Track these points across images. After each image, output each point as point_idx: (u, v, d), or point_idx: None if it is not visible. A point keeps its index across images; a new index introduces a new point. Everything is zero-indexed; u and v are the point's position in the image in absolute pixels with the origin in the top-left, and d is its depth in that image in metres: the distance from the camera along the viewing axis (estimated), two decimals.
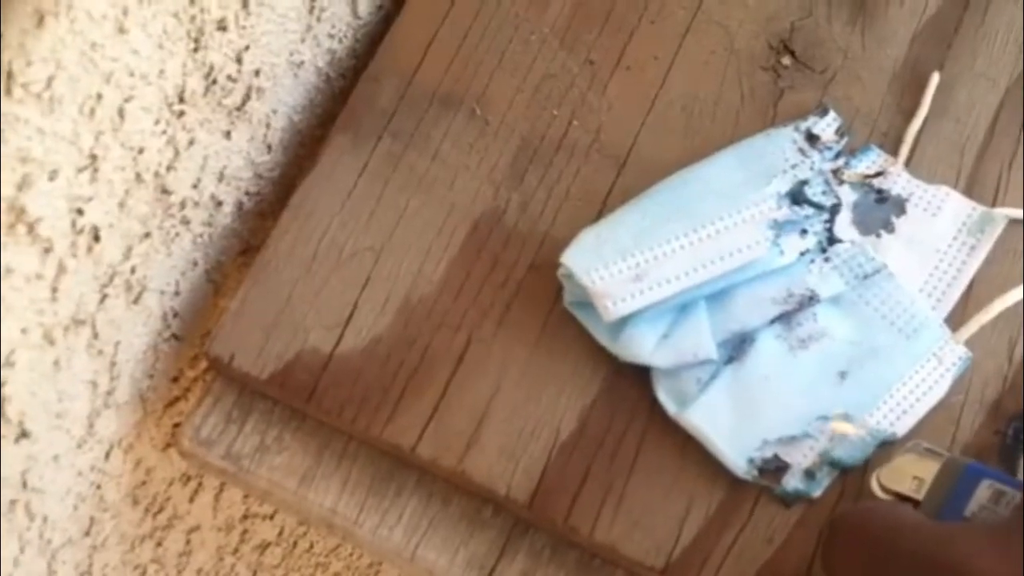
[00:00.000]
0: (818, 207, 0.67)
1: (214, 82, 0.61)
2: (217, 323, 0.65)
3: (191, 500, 0.78)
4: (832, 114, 0.70)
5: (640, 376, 0.64)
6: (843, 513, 0.56)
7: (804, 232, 0.66)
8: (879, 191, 0.69)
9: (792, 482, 0.62)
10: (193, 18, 0.56)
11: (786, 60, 0.74)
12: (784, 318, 0.64)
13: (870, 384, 0.64)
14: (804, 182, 0.67)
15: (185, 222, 0.64)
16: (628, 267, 0.62)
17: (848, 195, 0.68)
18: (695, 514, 0.62)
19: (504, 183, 0.69)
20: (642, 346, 0.62)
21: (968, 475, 0.55)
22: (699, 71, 0.73)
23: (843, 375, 0.64)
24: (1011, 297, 0.67)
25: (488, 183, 0.69)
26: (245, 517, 0.86)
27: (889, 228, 0.68)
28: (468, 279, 0.66)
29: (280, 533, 0.90)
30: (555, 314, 0.66)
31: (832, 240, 0.67)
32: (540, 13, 0.74)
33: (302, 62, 0.70)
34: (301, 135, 0.73)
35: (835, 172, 0.68)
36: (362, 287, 0.66)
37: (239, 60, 0.62)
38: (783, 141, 0.68)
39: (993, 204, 0.70)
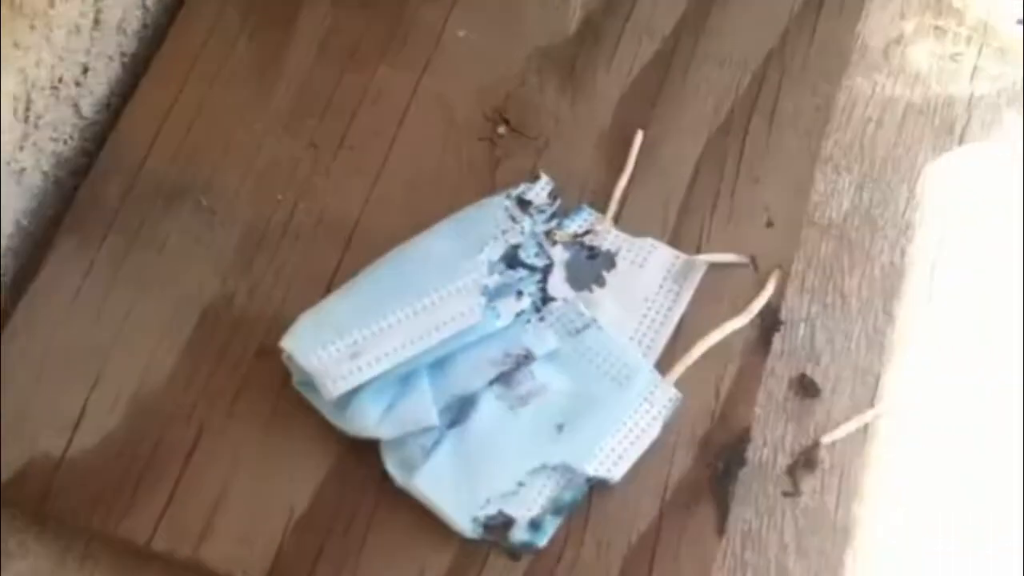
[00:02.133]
0: (531, 268, 0.70)
1: None
2: None
3: None
4: (544, 179, 0.74)
5: (370, 450, 0.67)
6: None
7: (520, 294, 0.69)
8: (590, 248, 0.73)
9: (518, 534, 0.65)
10: None
11: (502, 129, 0.78)
12: (504, 378, 0.68)
13: (586, 433, 0.67)
14: (517, 246, 0.70)
15: None
16: (345, 346, 0.65)
17: (561, 255, 0.72)
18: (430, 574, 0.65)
19: (231, 271, 0.71)
20: (367, 419, 0.65)
21: None
22: (420, 145, 0.77)
23: (560, 427, 0.67)
24: (714, 337, 0.71)
25: (215, 272, 0.71)
26: None
27: (600, 282, 0.72)
28: (197, 370, 0.68)
29: None
30: (285, 397, 0.68)
31: (546, 299, 0.70)
32: (264, 101, 0.77)
33: (24, 168, 0.71)
34: (33, 237, 0.74)
35: (548, 234, 0.72)
36: (91, 387, 0.67)
37: None
38: (495, 209, 0.72)
39: (697, 252, 0.74)
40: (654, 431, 0.68)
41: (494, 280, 0.69)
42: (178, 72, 0.77)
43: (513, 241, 0.71)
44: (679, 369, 0.71)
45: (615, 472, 0.67)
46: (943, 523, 0.72)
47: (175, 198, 0.73)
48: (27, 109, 0.69)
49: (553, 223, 0.74)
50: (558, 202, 0.74)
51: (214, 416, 0.67)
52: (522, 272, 0.70)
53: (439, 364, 0.67)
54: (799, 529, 0.72)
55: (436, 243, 0.71)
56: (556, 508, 0.66)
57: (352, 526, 0.65)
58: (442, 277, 0.68)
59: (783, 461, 0.73)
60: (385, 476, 0.66)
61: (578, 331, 0.70)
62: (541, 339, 0.69)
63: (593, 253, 0.73)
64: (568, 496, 0.66)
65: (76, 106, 0.75)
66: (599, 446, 0.67)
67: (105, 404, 0.67)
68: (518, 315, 0.69)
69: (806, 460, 0.73)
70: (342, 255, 0.73)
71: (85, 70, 0.74)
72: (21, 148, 0.70)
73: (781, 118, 0.80)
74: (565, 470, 0.66)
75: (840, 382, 0.76)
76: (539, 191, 0.74)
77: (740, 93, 0.80)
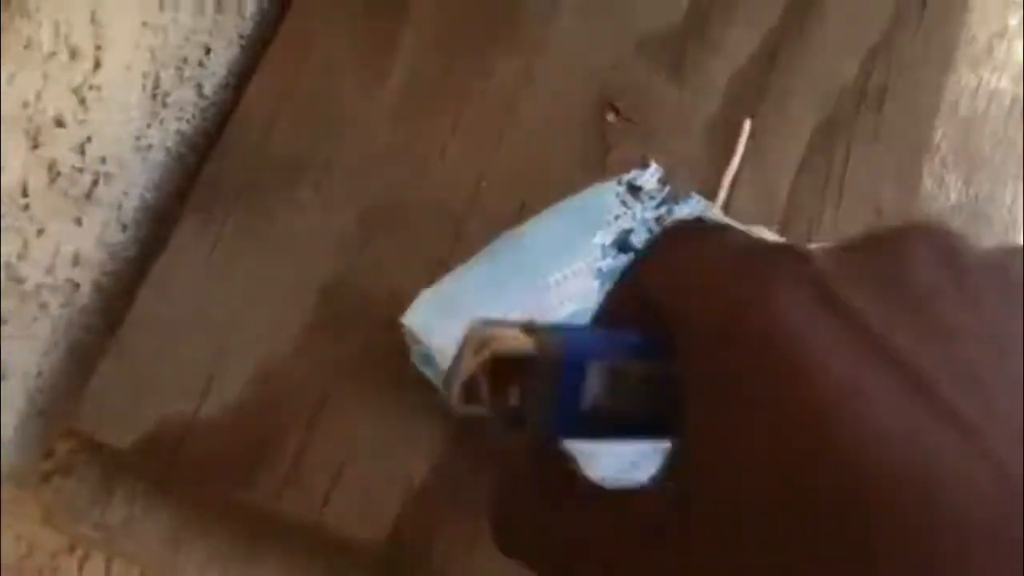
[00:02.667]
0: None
1: (59, 174, 0.64)
2: (81, 399, 0.67)
3: (80, 570, 0.80)
4: (654, 166, 0.75)
5: (487, 425, 0.68)
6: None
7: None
8: None
9: None
10: (29, 118, 0.60)
11: (611, 116, 0.79)
12: None
13: None
14: (628, 231, 0.71)
15: (43, 306, 0.67)
16: (465, 322, 0.66)
17: None
18: None
19: (351, 248, 0.73)
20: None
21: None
22: (531, 131, 0.78)
23: None
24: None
25: (336, 249, 0.73)
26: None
27: None
28: (320, 342, 0.70)
29: None
30: (405, 369, 0.69)
31: None
32: (378, 85, 0.78)
33: (150, 145, 0.74)
34: (157, 213, 0.77)
35: (658, 220, 0.73)
36: (218, 357, 0.69)
37: (82, 151, 0.65)
38: (607, 195, 0.73)
39: (807, 241, 0.75)
40: None
41: (607, 264, 0.70)
42: (295, 56, 0.79)
43: (625, 226, 0.72)
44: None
45: None
46: None
47: (295, 177, 0.75)
48: (155, 87, 0.71)
49: (663, 209, 0.75)
50: (668, 188, 0.75)
51: (336, 386, 0.69)
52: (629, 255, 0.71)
53: None
54: None
55: (551, 225, 0.72)
56: None
57: (472, 498, 0.66)
58: (557, 258, 0.70)
59: None
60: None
61: None
62: None
63: None
64: None
65: (199, 86, 0.77)
66: None
67: (231, 373, 0.69)
68: None
69: None
70: (456, 235, 0.74)
71: (207, 51, 0.77)
72: (149, 125, 0.72)
73: (889, 109, 0.80)
74: None
75: None
76: (649, 177, 0.75)
77: (848, 83, 0.81)
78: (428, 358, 0.67)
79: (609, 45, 0.81)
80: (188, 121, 0.77)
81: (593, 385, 0.34)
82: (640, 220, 0.73)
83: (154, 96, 0.71)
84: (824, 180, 0.77)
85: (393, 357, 0.70)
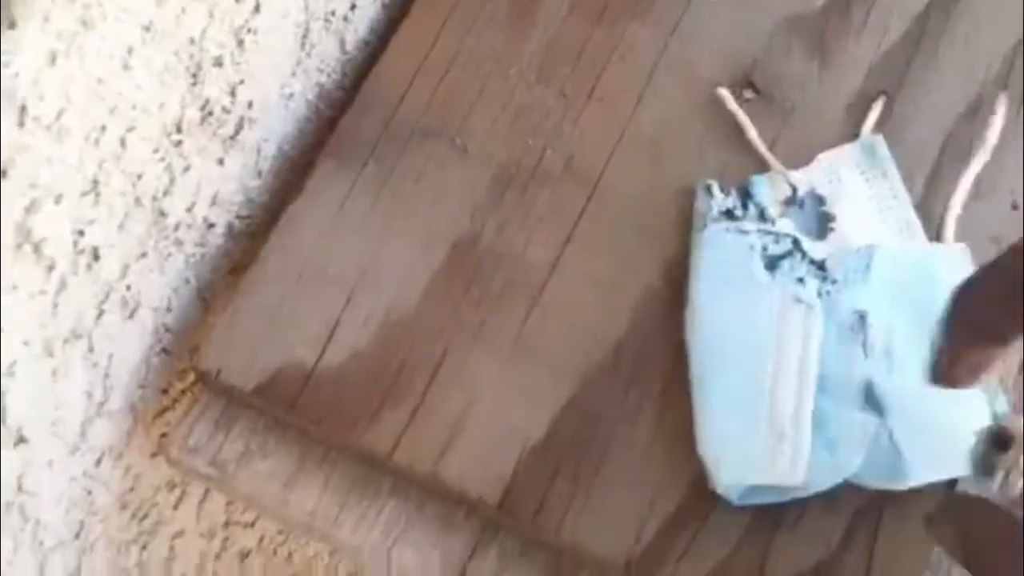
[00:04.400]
0: (787, 255, 0.70)
1: (210, 114, 0.65)
2: (206, 338, 0.69)
3: (175, 507, 0.82)
4: (713, 186, 0.73)
5: (604, 386, 0.68)
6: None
7: (801, 280, 0.69)
8: (797, 203, 0.73)
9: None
10: (192, 55, 0.61)
11: (748, 94, 0.78)
12: (865, 349, 0.68)
13: None
14: (764, 249, 0.70)
15: (179, 243, 0.69)
16: (763, 440, 0.65)
17: (790, 225, 0.72)
18: (657, 513, 0.66)
19: (481, 207, 0.73)
20: (850, 465, 0.65)
21: None
22: (666, 104, 0.78)
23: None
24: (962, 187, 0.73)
25: (466, 207, 0.73)
26: (227, 524, 0.90)
27: (830, 219, 0.73)
28: (445, 297, 0.71)
29: (260, 541, 0.94)
30: (526, 329, 0.70)
31: (820, 265, 0.70)
32: (517, 49, 0.79)
33: (292, 94, 0.75)
34: (291, 162, 0.78)
35: (763, 217, 0.72)
36: (344, 304, 0.70)
37: (233, 93, 0.67)
38: (724, 241, 0.71)
39: (941, 229, 0.74)
40: None
41: (788, 287, 0.69)
42: (436, 17, 0.80)
43: (761, 251, 0.71)
44: (950, 226, 0.72)
45: None
46: None
47: (430, 135, 0.76)
48: (304, 36, 0.72)
49: (751, 208, 0.73)
50: (733, 194, 0.74)
51: (459, 342, 0.69)
52: (785, 264, 0.70)
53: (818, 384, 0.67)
54: None
55: (711, 308, 0.70)
56: (991, 389, 0.67)
57: (586, 456, 0.67)
58: (749, 326, 0.68)
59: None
60: (620, 410, 0.67)
61: (867, 266, 0.70)
62: (853, 294, 0.69)
63: (801, 203, 0.73)
64: None
65: (342, 40, 0.78)
66: None
67: (357, 321, 0.70)
68: (819, 296, 0.69)
69: None
70: (587, 202, 0.74)
71: (353, 6, 0.78)
72: (293, 74, 0.73)
73: None
74: None
75: None
76: (721, 200, 0.73)
77: (990, 75, 0.79)
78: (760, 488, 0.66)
79: (748, 25, 0.80)
80: (329, 74, 0.78)
81: None
82: (757, 234, 0.71)
83: (302, 46, 0.73)
84: (961, 169, 0.75)
85: (514, 316, 0.70)
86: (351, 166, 0.74)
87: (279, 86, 0.72)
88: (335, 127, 0.75)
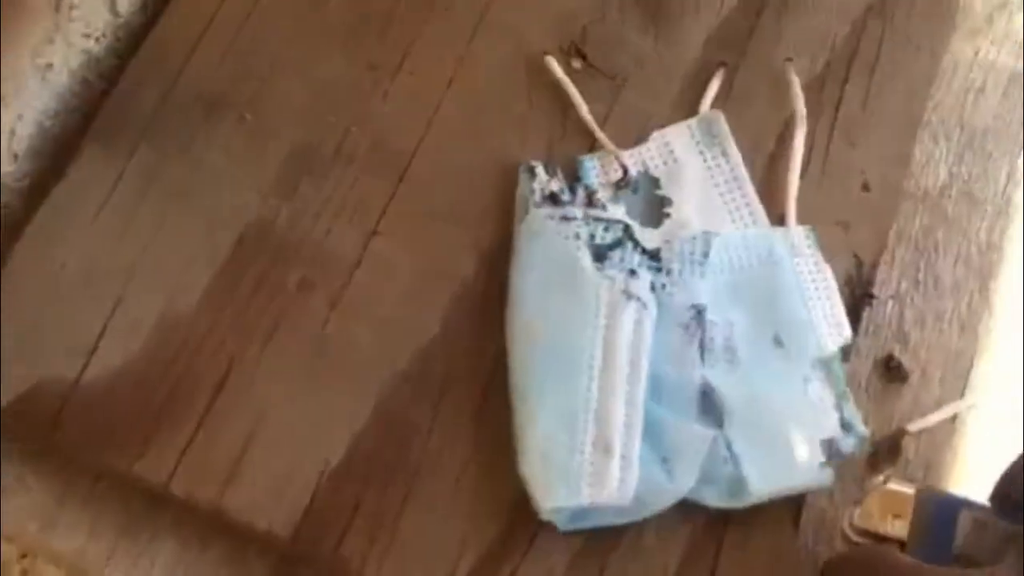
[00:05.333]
0: (616, 245, 0.63)
1: None
2: None
3: None
4: (537, 167, 0.66)
5: (415, 397, 0.60)
6: (834, 563, 0.55)
7: (633, 272, 0.62)
8: (630, 185, 0.66)
9: (845, 446, 0.61)
10: None
11: (577, 64, 0.71)
12: (704, 347, 0.61)
13: (796, 323, 0.63)
14: (592, 238, 0.63)
15: None
16: (589, 456, 0.58)
17: (620, 211, 0.65)
18: (473, 545, 0.58)
19: (274, 193, 0.65)
20: (686, 481, 0.58)
21: (944, 508, 0.55)
22: (486, 75, 0.70)
23: (778, 341, 0.62)
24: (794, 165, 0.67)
25: (256, 194, 0.65)
26: (24, 556, 0.80)
27: (667, 203, 0.66)
28: (231, 298, 0.62)
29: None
30: (325, 335, 0.61)
31: (653, 255, 0.63)
32: (318, 15, 0.70)
33: (51, 64, 0.65)
34: (55, 141, 0.68)
35: (591, 203, 0.65)
36: (112, 309, 0.61)
37: None
38: (548, 231, 0.64)
39: (786, 211, 0.67)
40: (828, 274, 0.64)
41: (618, 282, 0.62)
42: None
43: (588, 240, 0.63)
44: (791, 205, 0.67)
45: (846, 332, 0.63)
46: None
47: (216, 111, 0.66)
48: None
49: (579, 192, 0.66)
50: (559, 176, 0.66)
51: (247, 350, 0.61)
52: (615, 254, 0.63)
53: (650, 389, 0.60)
54: None
55: (533, 305, 0.62)
56: (839, 394, 0.61)
57: (393, 481, 0.59)
58: (574, 326, 0.61)
59: (864, 448, 0.66)
60: (431, 430, 0.60)
61: (705, 254, 0.63)
62: (690, 286, 0.63)
63: (634, 186, 0.66)
64: (837, 370, 0.62)
65: (111, 1, 0.68)
66: (813, 322, 0.63)
67: (126, 328, 0.61)
68: (652, 290, 0.62)
69: (889, 449, 0.66)
70: (396, 187, 0.66)
71: None
72: (51, 41, 0.63)
73: (882, 76, 0.73)
74: (816, 364, 0.62)
75: (929, 367, 0.69)
76: (544, 183, 0.66)
77: (838, 45, 0.74)
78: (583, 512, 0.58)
79: None
80: (97, 40, 0.68)
81: (963, 528, 0.53)
82: (584, 220, 0.64)
83: (57, 7, 0.63)
84: (808, 147, 0.69)
85: (312, 319, 0.62)
86: (120, 148, 0.65)
87: (30, 55, 0.62)
88: None
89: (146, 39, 0.68)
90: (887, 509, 0.57)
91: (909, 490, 0.57)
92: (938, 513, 0.56)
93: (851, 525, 0.58)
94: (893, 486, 0.58)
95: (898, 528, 0.56)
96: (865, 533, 0.58)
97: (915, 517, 0.56)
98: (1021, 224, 0.74)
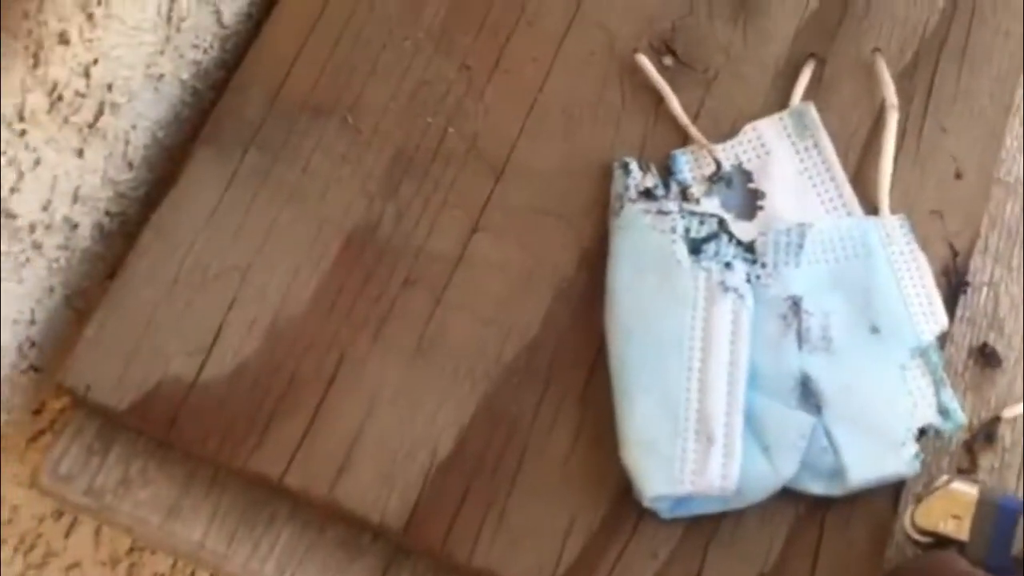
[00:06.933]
0: (712, 237, 0.64)
1: (59, 98, 0.58)
2: (71, 352, 0.61)
3: (67, 536, 0.74)
4: (631, 163, 0.67)
5: (521, 388, 0.62)
6: (901, 570, 0.56)
7: (728, 265, 0.63)
8: (723, 179, 0.67)
9: (945, 425, 0.62)
10: (30, 32, 0.53)
11: (668, 60, 0.72)
12: (801, 337, 0.62)
13: (893, 311, 0.63)
14: (687, 231, 0.64)
15: (36, 246, 0.61)
16: (691, 446, 0.59)
17: (714, 205, 0.66)
18: (579, 529, 0.60)
19: (378, 194, 0.67)
20: (788, 469, 0.60)
21: (1005, 512, 0.56)
22: (579, 73, 0.71)
23: (875, 329, 0.63)
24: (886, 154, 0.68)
25: (361, 195, 0.66)
26: (132, 550, 0.83)
27: (759, 196, 0.67)
28: (340, 296, 0.64)
29: (174, 566, 0.87)
30: (430, 330, 0.63)
31: (748, 247, 0.64)
32: (414, 17, 0.72)
33: (162, 75, 0.67)
34: (168, 151, 0.70)
35: (685, 198, 0.66)
36: (227, 309, 0.63)
37: (87, 75, 0.59)
38: (642, 225, 0.65)
39: (876, 209, 0.68)
40: (923, 262, 0.65)
41: (713, 273, 0.63)
42: None
43: (680, 231, 0.64)
44: (884, 194, 0.67)
45: (942, 320, 0.64)
46: None
47: (320, 115, 0.68)
48: (170, 9, 0.64)
49: (673, 187, 0.67)
50: (653, 171, 0.67)
51: (356, 346, 0.63)
52: (710, 247, 0.64)
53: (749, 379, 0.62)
54: None
55: (631, 298, 0.63)
56: (937, 380, 0.62)
57: (499, 469, 0.61)
58: (672, 318, 0.62)
59: (960, 435, 0.66)
60: (535, 417, 0.61)
61: (799, 246, 0.64)
62: (785, 277, 0.64)
63: (727, 179, 0.67)
64: (935, 359, 0.62)
65: (218, 12, 0.70)
66: (909, 312, 0.63)
67: (241, 327, 0.63)
68: (748, 281, 0.63)
69: (985, 435, 0.67)
70: (494, 184, 0.68)
71: None
72: (161, 52, 0.66)
73: (971, 62, 0.73)
74: (914, 353, 0.62)
75: None
76: (639, 178, 0.67)
77: (928, 33, 0.74)
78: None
79: None
80: (205, 51, 0.71)
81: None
82: (681, 214, 0.65)
83: (168, 19, 0.65)
84: (901, 134, 0.70)
85: (417, 315, 0.63)
86: (230, 153, 0.67)
87: (145, 66, 0.65)
88: None
89: (251, 48, 0.70)
90: (948, 509, 0.57)
91: (972, 491, 0.57)
92: (999, 517, 0.56)
93: (912, 523, 0.58)
94: (956, 486, 0.58)
95: (957, 528, 0.57)
96: (924, 532, 0.58)
97: (976, 519, 0.56)
98: None
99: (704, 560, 0.59)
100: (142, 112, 0.66)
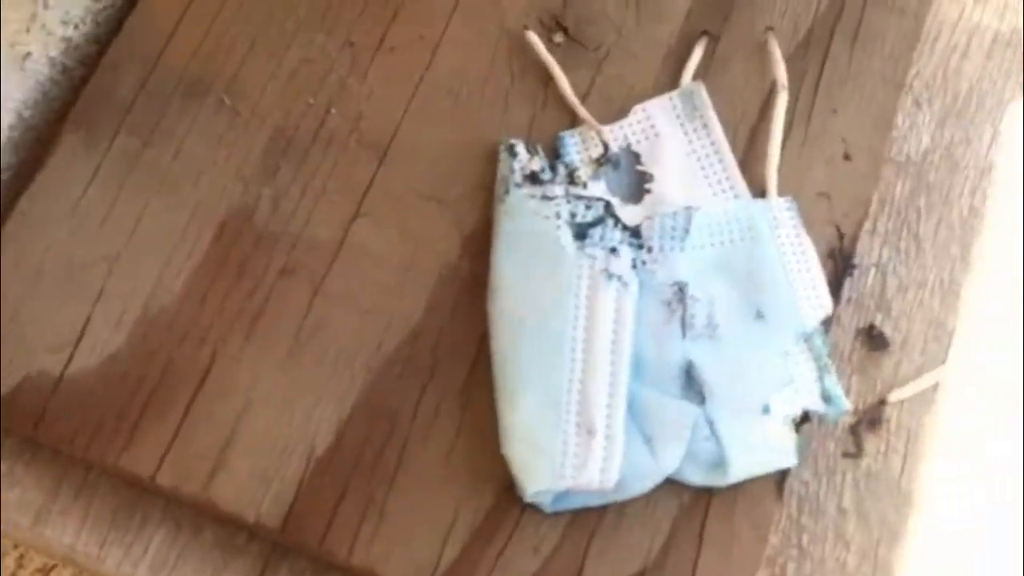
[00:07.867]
0: (598, 222, 0.63)
1: None
2: None
3: None
4: (518, 145, 0.65)
5: (402, 382, 0.60)
6: None
7: (614, 250, 0.62)
8: (611, 162, 0.66)
9: (828, 410, 0.62)
10: None
11: (558, 38, 0.70)
12: (685, 324, 0.61)
13: (780, 297, 0.63)
14: (572, 216, 0.63)
15: None
16: (572, 438, 0.58)
17: (601, 188, 0.65)
18: (460, 525, 0.59)
19: (254, 179, 0.65)
20: (671, 461, 0.59)
21: None
22: (467, 52, 0.69)
23: (759, 315, 0.62)
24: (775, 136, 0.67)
25: (237, 179, 0.64)
26: (16, 546, 0.81)
27: (647, 178, 0.66)
28: (213, 287, 0.62)
29: None
30: (308, 322, 0.62)
31: (635, 232, 0.63)
32: None
33: (29, 53, 0.64)
34: (36, 132, 0.68)
35: (572, 181, 0.65)
36: (95, 301, 0.61)
37: None
38: (528, 211, 0.63)
39: (764, 191, 0.67)
40: (809, 246, 0.64)
41: (599, 261, 0.62)
42: None
43: (565, 217, 0.63)
44: (771, 177, 0.66)
45: (827, 305, 0.63)
46: (1015, 491, 0.66)
47: (195, 95, 0.66)
48: None
49: (560, 170, 0.66)
50: (540, 154, 0.66)
51: (230, 339, 0.61)
52: (594, 233, 0.63)
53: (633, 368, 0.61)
54: (860, 493, 0.65)
55: (514, 286, 0.62)
56: (821, 367, 0.61)
57: (379, 465, 0.59)
58: (555, 307, 0.61)
59: (845, 419, 0.66)
60: (416, 411, 0.60)
61: (685, 230, 0.63)
62: (671, 262, 0.63)
63: (615, 162, 0.66)
64: (819, 344, 0.62)
65: None
66: (794, 297, 0.63)
67: (110, 320, 0.60)
68: (634, 267, 0.62)
69: (871, 419, 0.67)
70: (377, 168, 0.66)
71: None
72: (27, 30, 0.63)
73: (865, 40, 0.72)
74: (798, 338, 0.62)
75: (911, 336, 0.69)
76: (525, 161, 0.65)
77: (821, 10, 0.73)
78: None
79: None
80: (76, 27, 0.68)
81: None
82: (565, 197, 0.64)
83: None
84: (790, 115, 0.69)
85: (295, 305, 0.62)
86: (100, 137, 0.64)
87: (9, 44, 0.61)
88: None
89: (124, 24, 0.67)
90: None
91: None
92: None
93: None
94: None
95: None
96: None
97: None
98: (1003, 189, 0.74)
99: (587, 554, 0.59)
100: (8, 92, 0.64)
